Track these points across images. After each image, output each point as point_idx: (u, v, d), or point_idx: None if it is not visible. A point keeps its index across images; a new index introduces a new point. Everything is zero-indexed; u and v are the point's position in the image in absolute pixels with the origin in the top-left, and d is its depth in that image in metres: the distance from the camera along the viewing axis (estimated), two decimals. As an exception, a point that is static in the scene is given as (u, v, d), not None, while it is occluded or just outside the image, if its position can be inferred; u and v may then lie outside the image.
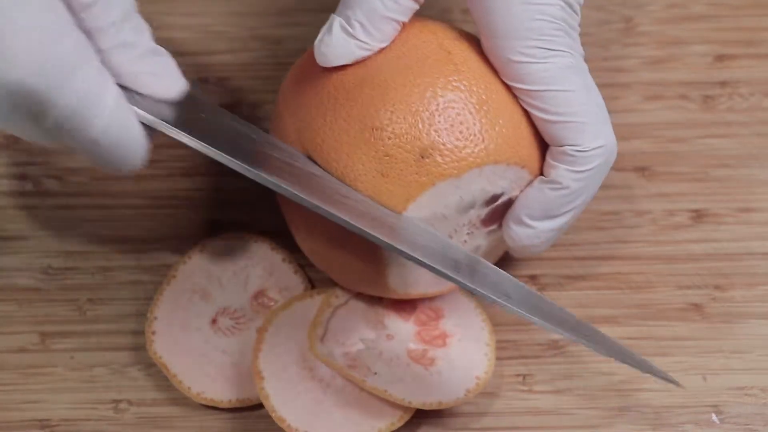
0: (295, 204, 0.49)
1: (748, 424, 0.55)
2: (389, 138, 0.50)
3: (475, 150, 0.50)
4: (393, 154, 0.50)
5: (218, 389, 0.55)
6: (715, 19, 0.64)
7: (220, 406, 0.55)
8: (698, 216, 0.60)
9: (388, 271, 0.53)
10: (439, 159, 0.50)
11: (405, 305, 0.56)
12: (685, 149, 0.61)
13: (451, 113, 0.50)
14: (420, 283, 0.54)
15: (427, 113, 0.50)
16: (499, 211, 0.53)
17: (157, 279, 0.58)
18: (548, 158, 0.52)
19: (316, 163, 0.51)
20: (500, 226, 0.53)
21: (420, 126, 0.50)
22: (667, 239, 0.59)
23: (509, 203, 0.53)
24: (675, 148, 0.61)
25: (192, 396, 0.55)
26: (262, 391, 0.53)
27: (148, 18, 0.63)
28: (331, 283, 0.57)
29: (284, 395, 0.53)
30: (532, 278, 0.58)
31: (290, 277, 0.58)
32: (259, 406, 0.55)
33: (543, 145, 0.53)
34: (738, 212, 0.60)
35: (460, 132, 0.50)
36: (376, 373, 0.54)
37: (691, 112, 0.62)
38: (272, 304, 0.57)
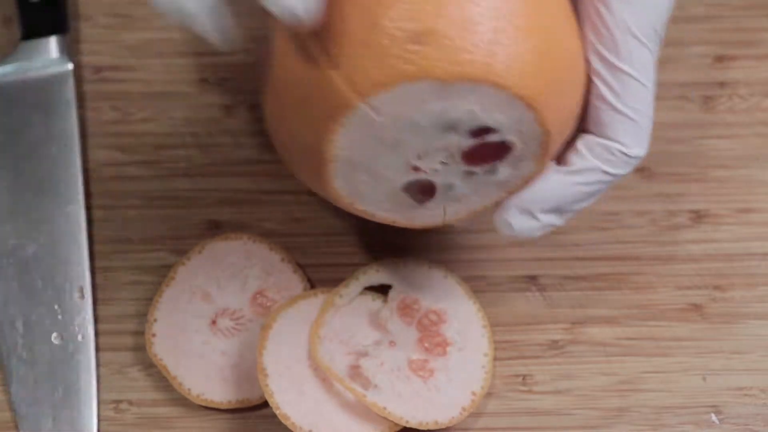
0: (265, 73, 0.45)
1: (747, 425, 0.55)
2: (388, 5, 0.43)
3: (478, 58, 0.42)
4: (384, 26, 0.42)
5: (218, 390, 0.55)
6: (714, 20, 0.64)
7: (220, 407, 0.55)
8: (698, 216, 0.60)
9: (333, 168, 0.46)
10: (432, 52, 0.42)
11: (408, 307, 0.56)
12: (685, 150, 0.61)
13: (472, 7, 0.42)
14: (366, 197, 0.48)
15: None
16: (486, 152, 0.47)
17: (157, 279, 0.58)
18: (581, 147, 0.48)
19: None
20: (485, 171, 0.48)
21: (428, 6, 0.42)
22: (667, 240, 0.59)
23: (502, 147, 0.46)
24: (675, 149, 0.61)
25: (192, 398, 0.55)
26: (266, 388, 0.53)
27: (149, 18, 0.63)
28: (331, 283, 0.57)
29: (288, 393, 0.54)
30: (532, 278, 0.58)
31: (289, 277, 0.58)
32: (259, 406, 0.55)
33: (570, 122, 0.48)
34: (738, 213, 0.60)
35: (472, 32, 0.42)
36: (376, 386, 0.54)
37: (691, 112, 0.62)
38: (271, 304, 0.57)
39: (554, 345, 0.57)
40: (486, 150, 0.46)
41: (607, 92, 0.48)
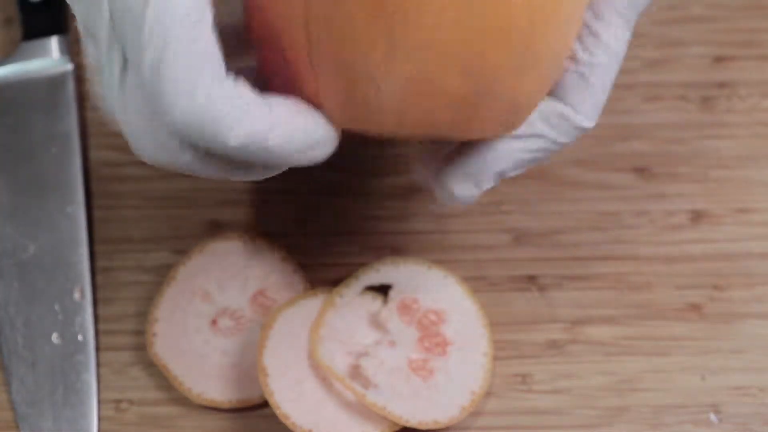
0: None
1: (746, 424, 0.55)
2: None
3: None
4: None
5: (219, 390, 0.55)
6: (714, 21, 0.64)
7: (221, 406, 0.55)
8: (697, 216, 0.60)
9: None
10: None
11: (408, 307, 0.56)
12: (684, 150, 0.61)
13: None
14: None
15: None
16: None
17: (157, 279, 0.58)
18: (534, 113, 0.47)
19: None
20: None
21: None
22: (666, 240, 0.59)
23: None
24: (674, 149, 0.62)
25: (192, 397, 0.55)
26: (266, 388, 0.53)
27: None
28: (331, 283, 0.57)
29: (289, 392, 0.54)
30: (531, 278, 0.59)
31: (289, 277, 0.58)
32: (260, 406, 0.55)
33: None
34: (736, 213, 0.60)
35: None
36: (376, 386, 0.54)
37: (690, 113, 0.62)
38: (271, 304, 0.57)
39: (554, 344, 0.57)
40: None
41: (579, 54, 0.47)
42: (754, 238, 0.59)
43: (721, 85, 0.63)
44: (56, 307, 0.57)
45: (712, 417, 0.56)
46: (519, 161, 0.47)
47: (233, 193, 0.60)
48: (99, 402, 0.56)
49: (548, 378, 0.57)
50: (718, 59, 0.64)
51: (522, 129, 0.47)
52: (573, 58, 0.47)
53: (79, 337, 0.57)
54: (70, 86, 0.61)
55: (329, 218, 0.59)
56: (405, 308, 0.56)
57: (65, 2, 0.62)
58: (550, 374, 0.57)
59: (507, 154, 0.47)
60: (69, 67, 0.61)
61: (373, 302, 0.56)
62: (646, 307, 0.58)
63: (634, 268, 0.59)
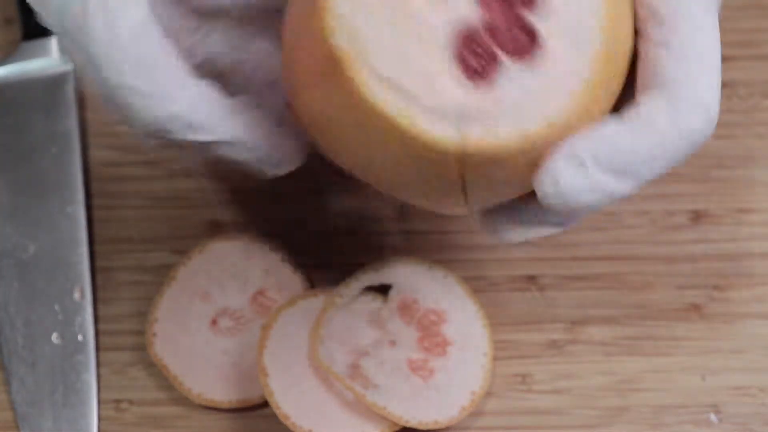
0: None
1: (746, 424, 0.55)
2: None
3: None
4: None
5: (219, 390, 0.55)
6: (714, 21, 0.64)
7: (221, 406, 0.55)
8: (697, 217, 0.60)
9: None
10: None
11: (408, 307, 0.56)
12: (684, 150, 0.61)
13: None
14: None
15: None
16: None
17: (157, 279, 0.58)
18: (650, 102, 0.40)
19: None
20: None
21: None
22: (666, 240, 0.59)
23: None
24: (674, 149, 0.61)
25: (192, 397, 0.55)
26: (266, 388, 0.53)
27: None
28: (331, 283, 0.57)
29: (289, 392, 0.54)
30: (531, 278, 0.59)
31: (289, 277, 0.58)
32: (260, 406, 0.55)
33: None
34: (736, 213, 0.60)
35: None
36: (376, 386, 0.54)
37: (690, 113, 0.62)
38: (271, 304, 0.57)
39: (554, 344, 0.57)
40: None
41: (673, 41, 0.41)
42: (754, 238, 0.59)
43: (722, 84, 0.63)
44: (56, 307, 0.57)
45: (712, 417, 0.56)
46: (637, 149, 0.41)
47: (233, 193, 0.60)
48: (99, 402, 0.56)
49: (548, 378, 0.57)
50: (718, 59, 0.64)
51: (633, 117, 0.41)
52: (664, 45, 0.41)
53: (79, 337, 0.57)
54: (70, 86, 0.61)
55: (329, 218, 0.59)
56: (405, 308, 0.56)
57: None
58: (550, 374, 0.57)
59: (622, 137, 0.40)
60: (69, 67, 0.61)
61: (373, 302, 0.56)
62: (646, 307, 0.58)
63: (634, 268, 0.59)
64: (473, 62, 0.41)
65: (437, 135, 0.41)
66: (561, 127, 0.41)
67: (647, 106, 0.40)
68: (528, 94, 0.41)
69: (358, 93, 0.41)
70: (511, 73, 0.41)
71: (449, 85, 0.41)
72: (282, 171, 0.48)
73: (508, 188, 0.43)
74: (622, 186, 0.41)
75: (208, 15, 0.46)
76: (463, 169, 0.41)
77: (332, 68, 0.41)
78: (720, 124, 0.62)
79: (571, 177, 0.40)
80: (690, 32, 0.41)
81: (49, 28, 0.44)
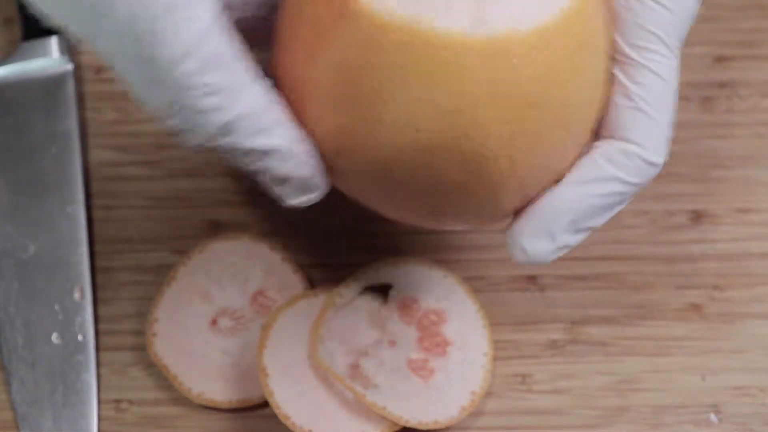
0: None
1: (746, 424, 0.56)
2: None
3: None
4: None
5: (219, 390, 0.55)
6: (714, 21, 0.64)
7: (221, 406, 0.55)
8: (697, 217, 0.60)
9: None
10: None
11: (408, 307, 0.56)
12: (684, 150, 0.61)
13: None
14: None
15: None
16: None
17: (157, 279, 0.58)
18: (595, 154, 0.46)
19: None
20: None
21: None
22: (666, 240, 0.59)
23: None
24: (674, 149, 0.61)
25: (192, 397, 0.55)
26: (266, 388, 0.54)
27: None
28: (331, 283, 0.57)
29: (289, 392, 0.54)
30: (531, 278, 0.59)
31: (289, 277, 0.58)
32: (260, 406, 0.55)
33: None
34: (736, 213, 0.60)
35: None
36: (376, 386, 0.54)
37: (691, 113, 0.62)
38: (271, 304, 0.57)
39: (553, 344, 0.57)
40: None
41: (631, 89, 0.45)
42: (753, 238, 0.60)
43: (722, 85, 0.63)
44: (56, 307, 0.57)
45: (712, 417, 0.56)
46: (592, 207, 0.45)
47: (233, 193, 0.60)
48: (99, 402, 0.56)
49: (548, 378, 0.57)
50: (718, 59, 0.64)
51: (587, 173, 0.45)
52: (625, 93, 0.45)
53: (79, 337, 0.57)
54: (70, 86, 0.61)
55: (329, 218, 0.59)
56: (405, 308, 0.56)
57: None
58: (550, 374, 0.57)
59: (577, 199, 0.45)
60: (69, 67, 0.61)
61: (373, 302, 0.56)
62: (646, 307, 0.58)
63: (634, 268, 0.59)
64: None
65: (456, 28, 0.42)
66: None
67: (592, 163, 0.45)
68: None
69: (372, 16, 0.43)
70: None
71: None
72: (312, 196, 0.47)
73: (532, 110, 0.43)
74: (578, 238, 0.46)
75: None
76: (490, 71, 0.42)
77: (345, 8, 0.43)
78: (720, 124, 0.62)
79: (536, 244, 0.45)
80: (650, 83, 0.45)
81: (102, 49, 0.44)
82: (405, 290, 0.56)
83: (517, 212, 0.46)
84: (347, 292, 0.56)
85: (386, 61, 0.43)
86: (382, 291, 0.57)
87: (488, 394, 0.56)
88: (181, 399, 0.56)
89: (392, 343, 0.55)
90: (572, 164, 0.46)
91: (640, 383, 0.56)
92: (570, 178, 0.46)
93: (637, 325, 0.58)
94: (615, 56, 0.46)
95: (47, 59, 0.61)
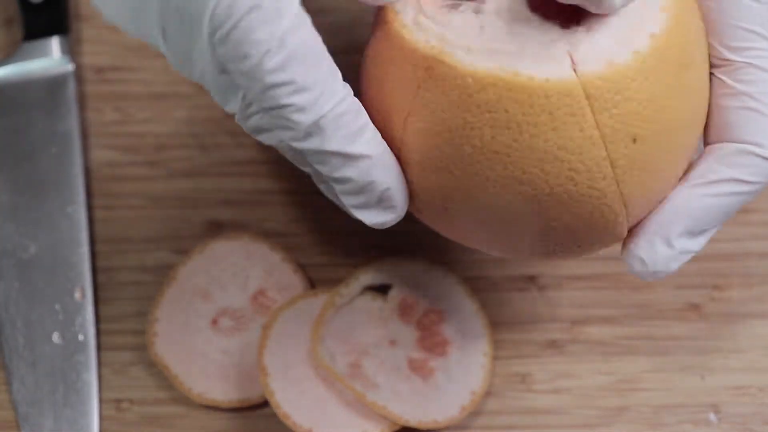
0: None
1: (746, 424, 0.56)
2: None
3: None
4: None
5: (219, 390, 0.55)
6: None
7: (221, 406, 0.55)
8: (697, 216, 0.60)
9: None
10: None
11: (408, 307, 0.56)
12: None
13: None
14: None
15: None
16: None
17: (158, 279, 0.58)
18: (709, 158, 0.45)
19: None
20: None
21: None
22: (666, 240, 0.59)
23: None
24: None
25: (193, 397, 0.55)
26: (267, 388, 0.54)
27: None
28: (331, 283, 0.57)
29: (289, 392, 0.54)
30: (531, 278, 0.59)
31: (290, 277, 0.58)
32: (260, 405, 0.55)
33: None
34: (736, 213, 0.60)
35: None
36: (376, 385, 0.54)
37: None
38: (272, 304, 0.57)
39: (553, 344, 0.57)
40: None
41: (738, 89, 0.44)
42: (753, 238, 0.60)
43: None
44: (57, 306, 0.57)
45: (712, 417, 0.56)
46: (708, 209, 0.44)
47: (233, 193, 0.60)
48: (99, 401, 0.56)
49: (548, 378, 0.57)
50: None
51: (701, 178, 0.44)
52: (731, 94, 0.45)
53: (80, 337, 0.57)
54: (71, 86, 0.61)
55: (329, 218, 0.59)
56: (405, 308, 0.56)
57: (66, 2, 0.62)
58: (550, 374, 0.57)
59: (691, 202, 0.44)
60: (69, 67, 0.61)
61: (373, 302, 0.56)
62: (645, 306, 0.58)
63: (633, 268, 0.59)
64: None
65: (550, 76, 0.42)
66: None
67: (707, 167, 0.44)
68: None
69: (464, 75, 0.42)
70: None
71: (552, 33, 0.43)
72: (389, 218, 0.45)
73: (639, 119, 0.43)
74: (699, 242, 0.45)
75: None
76: (590, 100, 0.42)
77: (430, 64, 0.43)
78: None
79: (654, 252, 0.44)
80: (756, 80, 0.44)
81: (181, 71, 0.43)
82: (405, 290, 0.56)
83: (631, 229, 0.46)
84: (347, 292, 0.56)
85: (487, 119, 0.42)
86: (382, 291, 0.57)
87: (488, 393, 0.56)
88: (181, 398, 0.56)
89: (392, 343, 0.55)
90: (682, 176, 0.45)
91: (639, 383, 0.56)
92: (683, 184, 0.45)
93: (637, 325, 0.58)
94: (712, 60, 0.45)
95: (48, 59, 0.61)
